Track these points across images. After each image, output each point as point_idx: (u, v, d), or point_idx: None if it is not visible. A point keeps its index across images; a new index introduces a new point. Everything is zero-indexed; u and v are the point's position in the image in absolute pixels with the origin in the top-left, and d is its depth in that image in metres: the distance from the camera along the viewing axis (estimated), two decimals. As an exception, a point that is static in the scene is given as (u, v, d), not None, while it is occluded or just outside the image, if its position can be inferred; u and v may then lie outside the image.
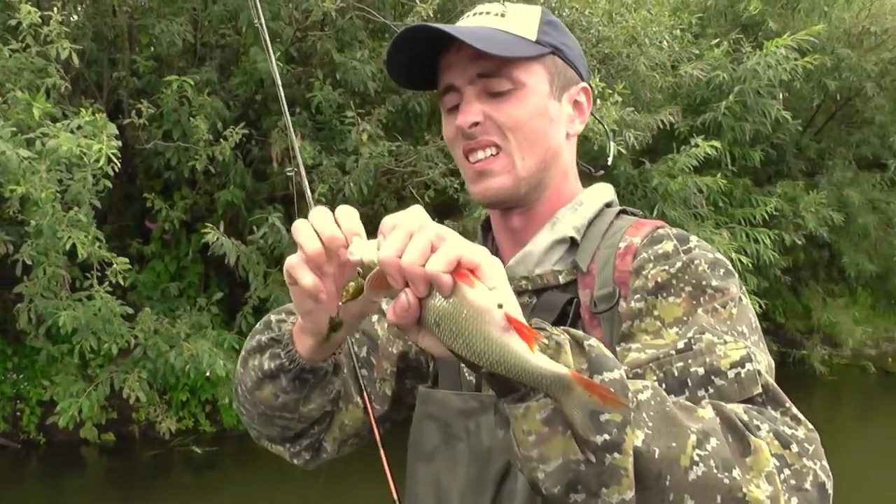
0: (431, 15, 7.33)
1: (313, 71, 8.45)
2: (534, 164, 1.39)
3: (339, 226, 1.05)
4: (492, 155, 1.38)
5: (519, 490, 1.28)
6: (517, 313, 0.94)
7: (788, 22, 10.70)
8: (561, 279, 1.38)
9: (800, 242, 10.23)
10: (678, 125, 8.95)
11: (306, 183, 1.99)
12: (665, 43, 9.07)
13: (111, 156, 5.88)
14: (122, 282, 6.68)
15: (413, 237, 0.94)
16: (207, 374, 7.48)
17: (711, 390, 1.13)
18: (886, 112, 11.86)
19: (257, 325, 1.43)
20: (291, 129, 2.29)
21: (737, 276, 1.31)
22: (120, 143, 6.05)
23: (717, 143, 8.44)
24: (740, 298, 1.25)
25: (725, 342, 1.17)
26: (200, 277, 9.29)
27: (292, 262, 1.09)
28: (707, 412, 1.04)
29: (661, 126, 8.56)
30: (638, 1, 9.27)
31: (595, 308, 1.32)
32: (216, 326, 8.45)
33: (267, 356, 1.36)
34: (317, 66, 8.54)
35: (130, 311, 7.21)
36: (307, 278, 1.08)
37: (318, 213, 1.07)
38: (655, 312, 1.25)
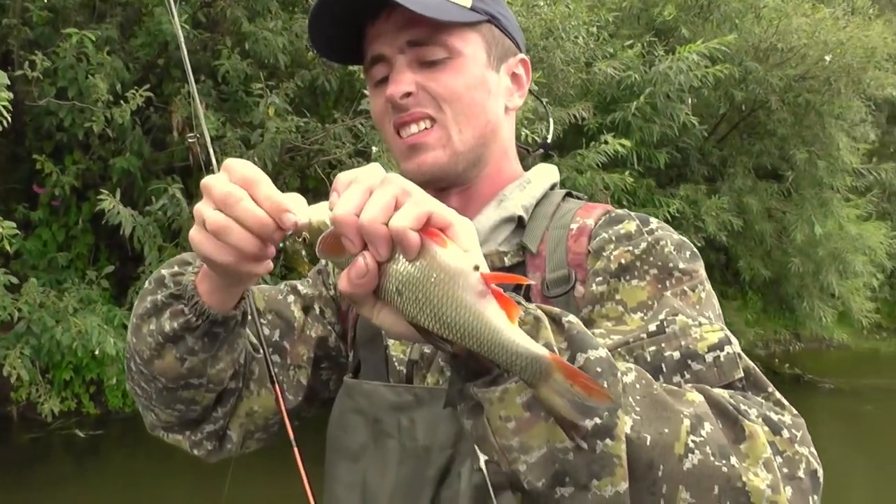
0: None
1: (221, 39, 8.14)
2: (472, 139, 1.29)
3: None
4: (426, 128, 1.27)
5: (463, 491, 1.15)
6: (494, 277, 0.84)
7: (700, 31, 10.91)
8: (507, 261, 1.27)
9: (699, 245, 10.42)
10: (588, 121, 8.99)
11: (212, 151, 1.84)
12: (581, 39, 9.08)
13: (1, 109, 5.43)
14: (8, 247, 6.17)
15: (374, 192, 0.83)
16: (96, 352, 7.09)
17: (688, 375, 1.04)
18: (788, 125, 12.22)
19: (147, 285, 1.23)
20: (196, 96, 2.11)
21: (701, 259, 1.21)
22: (11, 96, 5.60)
23: (626, 142, 8.52)
24: (706, 282, 1.17)
25: (700, 324, 1.08)
26: (90, 249, 8.87)
27: (222, 223, 0.92)
28: (695, 396, 0.94)
29: (574, 121, 8.59)
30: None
31: (548, 292, 1.22)
32: (106, 301, 8.07)
33: (167, 316, 1.18)
34: (225, 34, 8.23)
35: (15, 280, 6.80)
36: (248, 242, 0.92)
37: (245, 169, 0.92)
38: (617, 296, 1.15)
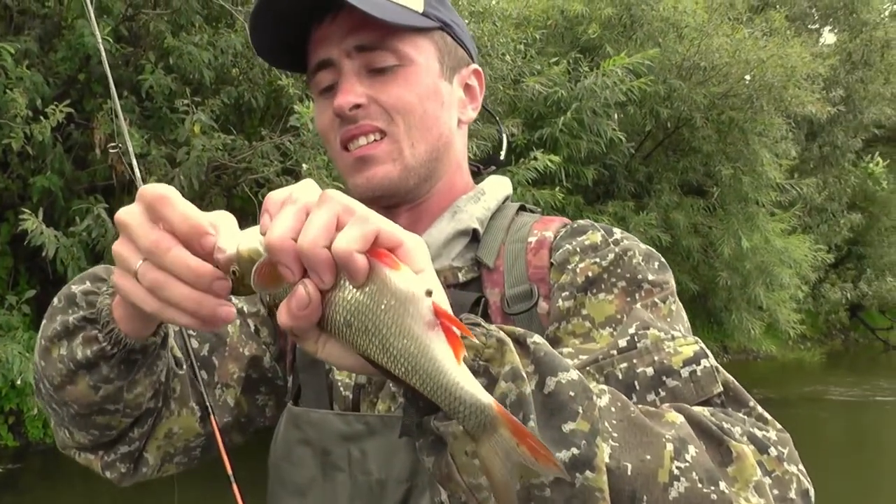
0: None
1: (143, 53, 7.97)
2: (424, 153, 1.21)
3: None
4: (375, 140, 1.19)
5: None
6: (446, 305, 0.75)
7: (623, 48, 11.09)
8: (461, 276, 1.19)
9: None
10: (517, 137, 9.04)
11: (137, 166, 1.76)
12: (509, 56, 9.16)
13: None
14: None
15: (312, 212, 0.74)
16: (17, 381, 6.79)
17: (663, 392, 0.97)
18: (713, 142, 12.47)
19: (55, 302, 1.11)
20: (119, 111, 2.04)
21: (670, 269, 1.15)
22: None
23: (555, 158, 8.57)
24: (675, 294, 1.11)
25: (674, 337, 1.00)
26: (9, 272, 8.54)
27: (156, 280, 0.80)
28: (675, 416, 0.87)
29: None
30: (484, 12, 9.34)
31: (508, 308, 1.14)
32: (27, 328, 7.76)
33: (79, 342, 1.05)
34: (147, 49, 8.07)
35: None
36: (189, 300, 0.80)
37: (156, 189, 0.80)
38: (584, 311, 1.08)
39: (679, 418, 0.87)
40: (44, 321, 1.12)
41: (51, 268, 7.35)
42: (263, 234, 0.75)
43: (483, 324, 0.83)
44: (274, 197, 0.77)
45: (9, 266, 8.52)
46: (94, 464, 1.23)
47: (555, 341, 1.07)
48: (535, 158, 8.41)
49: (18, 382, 6.87)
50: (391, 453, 1.12)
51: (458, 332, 0.73)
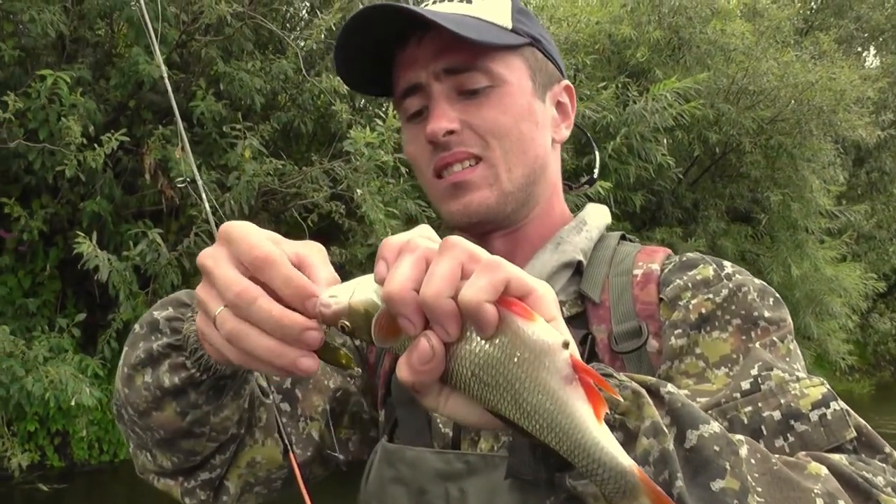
0: (333, 27, 7.04)
1: (194, 79, 7.99)
2: (521, 177, 1.16)
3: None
4: (470, 166, 1.13)
5: None
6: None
7: (671, 72, 10.98)
8: (565, 311, 1.13)
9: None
10: (566, 163, 8.94)
11: (206, 201, 1.72)
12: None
13: None
14: None
15: (434, 260, 0.69)
16: (72, 402, 6.78)
17: (792, 438, 0.91)
18: (761, 168, 12.29)
19: (137, 329, 1.07)
20: (183, 135, 2.02)
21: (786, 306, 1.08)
22: None
23: (606, 184, 8.48)
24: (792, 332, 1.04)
25: (798, 379, 0.94)
26: (57, 296, 8.57)
27: (236, 330, 0.76)
28: (818, 467, 0.80)
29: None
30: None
31: (616, 346, 1.08)
32: (76, 351, 7.78)
33: (165, 369, 1.01)
34: (199, 75, 8.09)
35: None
36: (271, 352, 0.75)
37: (251, 241, 0.76)
38: (697, 350, 1.02)
39: (822, 470, 0.81)
40: (126, 349, 1.08)
41: (98, 291, 7.35)
42: (378, 282, 0.71)
43: (615, 374, 0.78)
44: (390, 243, 0.72)
45: (57, 290, 8.54)
46: (173, 490, 1.19)
47: (668, 380, 0.98)
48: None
49: (73, 404, 6.83)
50: (493, 494, 1.05)
51: (597, 386, 0.68)
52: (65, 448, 8.52)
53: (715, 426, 0.76)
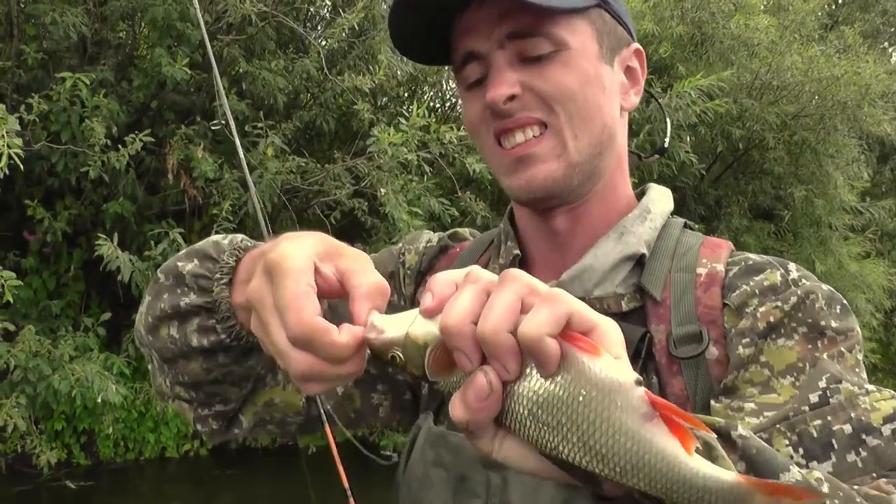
0: (356, 27, 7.01)
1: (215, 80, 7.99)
2: (588, 146, 1.11)
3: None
4: (534, 136, 1.08)
5: None
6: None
7: (695, 68, 10.90)
8: (624, 305, 1.10)
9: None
10: (590, 160, 8.90)
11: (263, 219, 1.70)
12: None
13: (14, 155, 5.04)
14: (10, 298, 5.81)
15: (493, 293, 0.66)
16: (98, 399, 6.82)
17: (864, 453, 0.89)
18: (784, 164, 12.18)
19: (161, 278, 1.06)
20: (221, 86, 2.01)
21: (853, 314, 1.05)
22: (21, 142, 5.22)
23: (633, 180, 8.40)
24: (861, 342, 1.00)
25: (868, 392, 0.92)
26: (81, 296, 8.61)
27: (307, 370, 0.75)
28: None
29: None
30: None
31: (675, 350, 1.04)
32: (101, 350, 7.82)
33: (194, 328, 1.00)
34: (221, 74, 8.08)
35: (12, 327, 6.59)
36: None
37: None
38: (763, 358, 0.99)
39: None
40: (148, 297, 1.06)
41: (122, 291, 7.37)
42: (423, 314, 0.69)
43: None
44: (441, 277, 0.70)
45: (81, 290, 8.60)
46: (187, 413, 1.17)
47: (732, 390, 0.99)
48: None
49: (99, 401, 6.89)
50: (538, 487, 1.03)
51: (685, 424, 0.64)
52: (91, 446, 8.62)
53: (795, 472, 0.73)
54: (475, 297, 0.66)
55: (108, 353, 7.67)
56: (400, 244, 1.41)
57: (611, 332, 0.66)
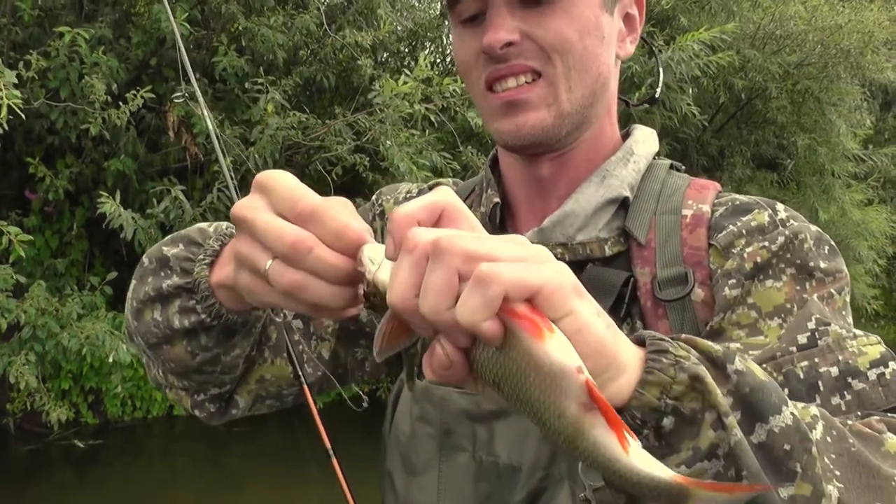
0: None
1: (216, 36, 7.92)
2: (581, 97, 1.09)
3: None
4: (527, 82, 1.06)
5: None
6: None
7: (697, 20, 10.78)
8: (607, 249, 1.08)
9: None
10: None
11: (221, 154, 1.73)
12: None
13: (13, 106, 4.96)
14: (23, 254, 5.81)
15: (427, 271, 0.63)
16: (109, 358, 6.85)
17: (849, 396, 0.89)
18: (787, 113, 12.12)
19: (146, 263, 1.05)
20: (198, 92, 2.05)
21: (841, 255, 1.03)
22: (20, 95, 5.14)
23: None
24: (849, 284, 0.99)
25: (856, 336, 0.91)
26: (85, 255, 8.61)
27: (298, 282, 0.73)
28: (893, 442, 0.77)
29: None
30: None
31: (659, 292, 1.03)
32: (109, 308, 7.83)
33: (175, 310, 1.00)
34: (220, 31, 8.01)
35: (23, 279, 6.60)
36: (332, 297, 0.74)
37: (295, 195, 0.75)
38: (750, 300, 0.98)
39: None
40: (134, 282, 1.06)
41: (125, 249, 7.37)
42: (389, 258, 0.68)
43: (671, 349, 0.68)
44: (398, 218, 0.67)
45: (84, 249, 8.59)
46: (184, 401, 1.19)
47: (718, 332, 0.98)
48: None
49: (110, 360, 6.91)
50: (522, 437, 1.04)
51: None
52: (98, 405, 8.67)
53: (787, 416, 0.70)
54: (414, 269, 0.64)
55: (115, 311, 7.69)
56: (375, 196, 1.40)
57: (555, 291, 0.63)
